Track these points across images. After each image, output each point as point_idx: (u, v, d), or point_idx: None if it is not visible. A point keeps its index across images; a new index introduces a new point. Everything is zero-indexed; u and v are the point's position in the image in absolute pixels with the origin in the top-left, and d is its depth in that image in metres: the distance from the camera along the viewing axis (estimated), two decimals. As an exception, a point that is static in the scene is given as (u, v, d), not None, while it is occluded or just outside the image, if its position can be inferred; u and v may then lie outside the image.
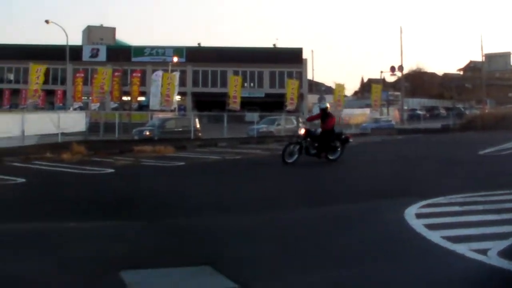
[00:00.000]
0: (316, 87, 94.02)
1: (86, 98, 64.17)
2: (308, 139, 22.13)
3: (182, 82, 68.92)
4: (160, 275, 7.67)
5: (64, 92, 73.10)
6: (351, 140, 23.83)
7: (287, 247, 9.15)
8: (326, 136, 22.32)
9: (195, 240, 9.72)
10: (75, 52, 72.90)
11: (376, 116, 60.22)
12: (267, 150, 28.81)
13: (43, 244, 9.37)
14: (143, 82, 64.60)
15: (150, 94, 51.69)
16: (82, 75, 60.84)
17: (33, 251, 8.85)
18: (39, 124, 31.50)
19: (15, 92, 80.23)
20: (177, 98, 52.96)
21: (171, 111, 48.34)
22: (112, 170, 19.52)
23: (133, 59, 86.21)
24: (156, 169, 21.52)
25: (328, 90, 72.69)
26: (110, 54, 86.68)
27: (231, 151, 28.51)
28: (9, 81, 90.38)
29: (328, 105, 24.11)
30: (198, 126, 39.03)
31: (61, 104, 71.67)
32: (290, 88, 50.36)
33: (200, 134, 38.54)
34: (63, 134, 32.22)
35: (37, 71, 37.97)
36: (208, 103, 70.98)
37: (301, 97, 67.68)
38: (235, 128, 40.43)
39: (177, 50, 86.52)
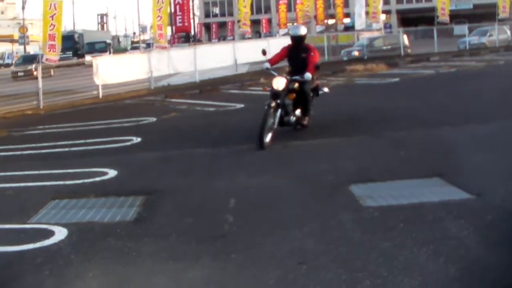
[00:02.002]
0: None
1: (290, 24, 64.93)
2: (293, 95, 11.57)
3: (386, 0, 67.44)
4: (390, 188, 7.64)
5: (269, 21, 74.33)
6: (326, 90, 13.08)
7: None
8: (309, 88, 11.97)
9: (421, 152, 9.59)
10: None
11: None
12: (482, 61, 27.55)
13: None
14: (346, 3, 63.92)
15: (355, 15, 51.17)
16: (285, 1, 61.44)
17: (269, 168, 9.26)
18: (250, 52, 32.13)
19: (222, 25, 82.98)
20: (383, 16, 51.93)
21: (377, 30, 47.49)
22: (326, 90, 19.19)
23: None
24: (371, 86, 21.37)
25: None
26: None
27: (444, 64, 27.48)
28: (215, 15, 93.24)
29: (305, 30, 12.46)
30: (406, 42, 38.08)
31: (267, 32, 73.08)
32: (502, -5, 47.52)
33: (409, 50, 37.66)
34: (273, 60, 32.63)
35: (244, 1, 38.68)
36: (414, 19, 68.97)
37: (513, 4, 63.56)
38: (444, 42, 38.86)
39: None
